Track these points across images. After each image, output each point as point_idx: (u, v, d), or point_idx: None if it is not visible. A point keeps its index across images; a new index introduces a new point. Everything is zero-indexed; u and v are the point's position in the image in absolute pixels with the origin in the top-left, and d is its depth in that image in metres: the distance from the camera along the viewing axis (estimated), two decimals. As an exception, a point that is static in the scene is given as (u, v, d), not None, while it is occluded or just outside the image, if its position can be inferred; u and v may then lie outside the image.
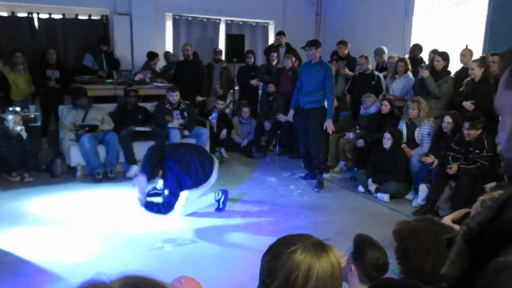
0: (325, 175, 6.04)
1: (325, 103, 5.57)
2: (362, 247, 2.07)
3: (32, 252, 3.67)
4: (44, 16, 7.85)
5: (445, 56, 5.76)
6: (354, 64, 7.26)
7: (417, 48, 7.10)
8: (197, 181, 4.44)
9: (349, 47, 7.53)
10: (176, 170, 4.28)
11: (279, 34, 8.46)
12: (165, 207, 4.27)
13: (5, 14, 7.60)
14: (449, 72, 5.89)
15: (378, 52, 7.28)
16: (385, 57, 7.08)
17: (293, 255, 1.14)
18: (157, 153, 4.33)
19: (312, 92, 5.53)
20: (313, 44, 5.50)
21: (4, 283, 3.19)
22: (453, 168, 4.83)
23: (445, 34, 7.68)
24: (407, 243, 1.76)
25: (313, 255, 1.14)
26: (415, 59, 6.81)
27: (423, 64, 6.14)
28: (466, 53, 5.87)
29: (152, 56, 8.02)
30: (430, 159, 5.19)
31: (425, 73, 5.68)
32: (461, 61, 5.88)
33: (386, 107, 5.87)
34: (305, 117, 5.67)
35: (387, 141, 5.33)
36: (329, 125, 5.54)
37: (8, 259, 3.56)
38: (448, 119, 5.15)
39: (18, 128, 5.34)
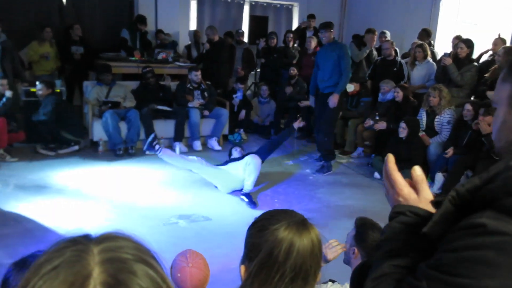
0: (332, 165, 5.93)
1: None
2: (364, 229, 2.11)
3: (54, 220, 3.85)
4: (72, -7, 8.00)
5: (469, 44, 5.64)
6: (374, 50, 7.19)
7: (425, 33, 6.95)
8: None
9: (377, 35, 7.43)
10: None
11: (310, 17, 8.40)
12: None
13: (34, -11, 7.77)
14: (473, 60, 5.77)
15: (381, 36, 7.20)
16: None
17: (276, 232, 1.18)
18: None
19: (330, 75, 5.42)
20: (326, 26, 5.40)
21: (26, 248, 3.37)
22: (449, 153, 4.92)
23: (474, 20, 7.50)
24: None
25: (295, 232, 1.18)
26: None
27: (446, 52, 6.03)
28: (498, 42, 5.72)
29: (156, 33, 8.09)
30: (452, 151, 5.14)
31: (447, 61, 5.59)
32: (493, 50, 5.74)
33: (398, 94, 5.83)
34: (322, 102, 5.60)
35: (402, 131, 5.31)
36: (332, 99, 5.36)
37: (32, 226, 3.76)
38: (468, 106, 5.09)
39: (7, 93, 5.43)
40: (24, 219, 3.86)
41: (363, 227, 2.13)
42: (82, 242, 0.57)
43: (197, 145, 6.32)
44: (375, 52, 7.11)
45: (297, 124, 5.33)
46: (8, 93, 5.42)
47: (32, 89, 5.99)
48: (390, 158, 0.99)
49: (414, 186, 0.97)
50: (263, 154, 4.93)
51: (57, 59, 7.24)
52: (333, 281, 2.21)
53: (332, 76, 5.41)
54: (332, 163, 5.79)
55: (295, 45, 7.99)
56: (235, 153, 5.14)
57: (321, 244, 1.23)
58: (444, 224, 0.80)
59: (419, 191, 0.95)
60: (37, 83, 5.60)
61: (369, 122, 6.13)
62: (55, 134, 5.67)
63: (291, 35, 7.92)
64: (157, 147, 4.76)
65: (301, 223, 1.22)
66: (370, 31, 7.22)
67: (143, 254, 0.59)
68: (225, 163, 4.91)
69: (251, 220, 1.29)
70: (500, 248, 0.70)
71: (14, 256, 3.22)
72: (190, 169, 4.82)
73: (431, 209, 0.90)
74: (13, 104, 5.56)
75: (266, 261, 1.15)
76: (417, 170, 0.96)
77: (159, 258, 0.61)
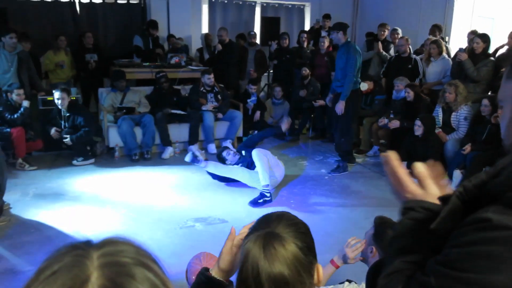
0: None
1: (358, 85, 5.50)
2: (382, 228, 2.10)
3: (73, 227, 3.91)
4: (85, 1, 8.11)
5: (485, 38, 5.55)
6: (388, 48, 7.12)
7: (436, 28, 6.87)
8: None
9: (389, 30, 7.37)
10: None
11: (325, 17, 8.37)
12: None
13: (48, -1, 7.91)
14: (489, 55, 5.68)
15: (392, 33, 7.14)
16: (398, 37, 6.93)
17: (246, 244, 1.04)
18: None
19: (341, 76, 5.40)
20: (336, 27, 5.36)
21: (46, 255, 3.42)
22: (467, 149, 4.81)
23: (490, 15, 7.38)
24: None
25: (259, 248, 1.01)
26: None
27: (461, 47, 5.94)
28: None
29: (168, 37, 8.16)
30: (470, 147, 5.05)
31: (463, 56, 5.50)
32: (508, 44, 5.65)
33: (409, 94, 5.77)
34: (335, 102, 5.56)
35: (418, 128, 5.24)
36: (339, 106, 5.31)
37: (51, 233, 3.82)
38: (486, 102, 5.01)
39: (25, 102, 5.49)
40: (44, 226, 3.93)
41: (381, 226, 2.12)
42: (82, 248, 0.58)
43: (212, 148, 6.35)
44: (384, 53, 7.02)
45: (285, 126, 5.45)
46: (26, 103, 5.52)
47: (49, 98, 6.09)
48: (393, 156, 0.99)
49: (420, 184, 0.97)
50: (244, 148, 5.13)
51: (72, 67, 7.35)
52: (350, 281, 2.20)
53: (343, 77, 5.37)
54: (348, 164, 5.73)
55: (310, 45, 7.96)
56: (230, 156, 5.16)
57: (303, 257, 1.03)
58: (452, 220, 0.80)
59: (425, 187, 0.95)
60: (55, 91, 5.67)
61: (383, 121, 6.06)
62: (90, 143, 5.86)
63: (305, 36, 7.89)
64: (200, 160, 4.87)
65: (268, 236, 1.03)
66: (381, 25, 7.21)
67: (143, 258, 0.59)
68: (243, 164, 4.98)
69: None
70: (506, 242, 0.70)
71: (35, 263, 3.29)
72: (233, 177, 4.90)
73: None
74: (30, 113, 5.66)
75: (240, 277, 1.03)
76: (419, 167, 0.97)
77: (160, 262, 0.62)
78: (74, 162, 5.66)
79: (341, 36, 5.30)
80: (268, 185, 4.60)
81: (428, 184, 0.95)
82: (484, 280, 0.70)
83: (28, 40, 6.75)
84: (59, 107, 5.62)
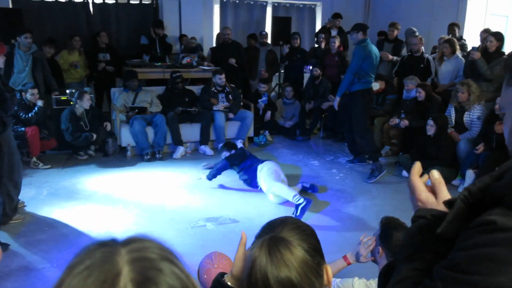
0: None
1: (370, 85, 5.48)
2: (388, 229, 2.12)
3: (86, 225, 3.96)
4: (98, 1, 8.19)
5: (498, 37, 5.51)
6: (400, 47, 7.08)
7: (455, 27, 6.87)
8: None
9: (399, 30, 7.33)
10: None
11: (336, 16, 8.34)
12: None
13: (63, 0, 8.00)
14: (503, 54, 5.62)
15: (408, 33, 7.06)
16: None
17: (252, 251, 1.03)
18: None
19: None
20: (354, 28, 5.37)
21: (60, 253, 3.48)
22: (480, 148, 4.76)
23: (504, 12, 7.29)
24: None
25: (265, 253, 1.00)
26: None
27: (474, 46, 5.89)
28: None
29: (180, 37, 8.22)
30: (483, 147, 4.98)
31: (476, 55, 5.46)
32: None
33: (421, 94, 5.73)
34: (349, 101, 5.57)
35: (430, 128, 5.21)
36: (334, 102, 5.55)
37: (65, 231, 3.87)
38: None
39: (39, 102, 5.62)
40: (58, 224, 3.98)
41: (387, 226, 2.14)
42: (110, 245, 0.62)
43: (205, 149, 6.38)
44: (395, 58, 6.98)
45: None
46: (40, 102, 5.60)
47: (63, 97, 6.18)
48: (417, 166, 1.01)
49: (434, 191, 0.99)
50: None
51: (85, 67, 7.44)
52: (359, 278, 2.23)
53: (355, 74, 5.35)
54: (382, 163, 5.48)
55: (322, 45, 7.92)
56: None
57: (310, 259, 1.02)
58: (458, 224, 0.81)
59: (437, 194, 0.97)
60: (76, 94, 5.87)
61: (394, 120, 6.04)
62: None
63: (323, 36, 7.84)
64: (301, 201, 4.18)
65: (273, 241, 1.02)
66: (391, 25, 7.19)
67: (168, 254, 0.63)
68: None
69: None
70: (510, 244, 0.71)
71: (49, 261, 3.35)
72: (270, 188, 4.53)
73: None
74: (44, 113, 5.74)
75: (249, 285, 1.02)
76: (435, 174, 0.99)
77: (181, 258, 0.65)
78: (79, 157, 5.91)
79: (360, 36, 5.27)
80: (296, 194, 4.24)
81: (441, 191, 0.96)
82: (489, 281, 0.70)
83: (53, 45, 6.85)
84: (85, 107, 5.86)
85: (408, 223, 2.36)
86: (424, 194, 0.97)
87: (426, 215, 0.92)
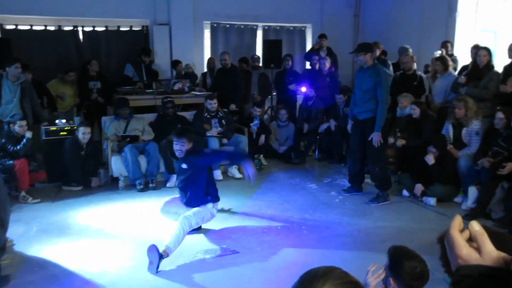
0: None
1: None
2: (398, 259, 2.03)
3: (78, 263, 3.75)
4: (88, 29, 8.12)
5: (489, 51, 5.56)
6: (386, 65, 7.09)
7: (448, 43, 7.02)
8: None
9: (381, 49, 7.32)
10: None
11: (321, 37, 8.34)
12: None
13: (52, 28, 7.93)
14: (492, 67, 5.62)
15: (402, 51, 7.05)
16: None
17: None
18: None
19: (364, 100, 5.09)
20: (362, 49, 5.06)
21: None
22: (507, 168, 4.56)
23: (493, 28, 7.34)
24: None
25: None
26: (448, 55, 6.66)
27: (464, 64, 5.92)
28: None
29: (175, 63, 8.17)
30: (488, 162, 4.83)
31: (461, 79, 5.61)
32: (510, 56, 5.59)
33: (415, 111, 5.68)
34: (361, 129, 5.21)
35: (432, 155, 5.15)
36: (375, 138, 5.04)
37: (56, 270, 3.65)
38: (500, 115, 4.93)
39: (28, 133, 5.47)
40: (49, 264, 3.76)
41: (396, 256, 2.05)
42: None
43: (217, 174, 6.20)
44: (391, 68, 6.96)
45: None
46: (28, 134, 5.44)
47: (52, 128, 6.02)
48: (457, 219, 0.88)
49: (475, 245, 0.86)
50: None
51: (75, 96, 7.31)
52: None
53: (369, 100, 5.06)
54: (388, 192, 5.30)
55: (315, 67, 7.88)
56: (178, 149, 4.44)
57: None
58: None
59: (481, 248, 0.84)
60: (80, 127, 5.80)
61: (390, 140, 5.95)
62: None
63: (317, 58, 7.79)
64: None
65: None
66: (374, 43, 7.18)
67: None
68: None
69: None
70: None
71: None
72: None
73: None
74: (33, 144, 5.58)
75: None
76: (475, 226, 0.85)
77: None
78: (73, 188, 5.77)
79: (369, 58, 5.01)
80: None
81: (485, 244, 0.83)
82: None
83: (28, 70, 6.73)
84: (83, 140, 5.77)
85: (415, 246, 2.26)
86: (465, 250, 0.85)
87: (473, 274, 0.80)
